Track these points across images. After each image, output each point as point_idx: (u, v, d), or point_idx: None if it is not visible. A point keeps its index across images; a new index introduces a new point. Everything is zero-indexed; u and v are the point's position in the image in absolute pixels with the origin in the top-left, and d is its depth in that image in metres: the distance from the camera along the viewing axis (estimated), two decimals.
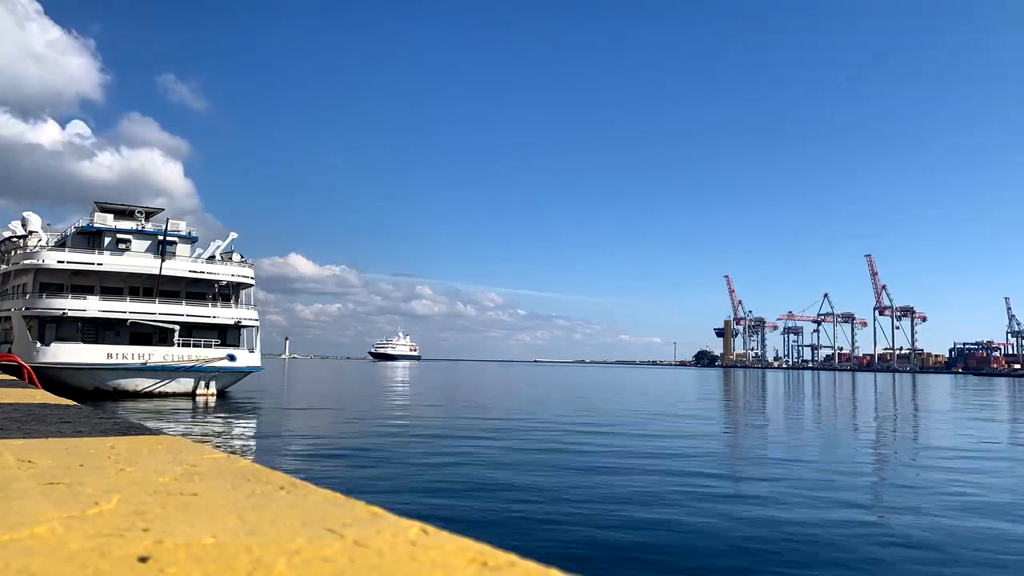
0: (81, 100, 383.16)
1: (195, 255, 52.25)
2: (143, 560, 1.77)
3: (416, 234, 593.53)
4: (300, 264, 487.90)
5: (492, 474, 18.06)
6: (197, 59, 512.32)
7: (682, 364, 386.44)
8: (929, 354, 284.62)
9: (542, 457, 21.46)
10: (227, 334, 49.90)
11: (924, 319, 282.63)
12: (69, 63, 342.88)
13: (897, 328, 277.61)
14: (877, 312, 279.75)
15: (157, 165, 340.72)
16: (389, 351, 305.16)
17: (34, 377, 30.76)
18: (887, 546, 11.82)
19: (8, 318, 47.59)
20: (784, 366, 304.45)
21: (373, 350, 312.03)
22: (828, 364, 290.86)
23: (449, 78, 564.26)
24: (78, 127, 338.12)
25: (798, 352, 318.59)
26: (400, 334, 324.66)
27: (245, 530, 2.10)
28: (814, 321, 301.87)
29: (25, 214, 54.92)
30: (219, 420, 32.55)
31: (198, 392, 44.58)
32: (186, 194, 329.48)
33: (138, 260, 47.78)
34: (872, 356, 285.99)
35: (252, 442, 25.41)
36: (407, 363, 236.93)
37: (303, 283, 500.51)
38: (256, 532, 2.08)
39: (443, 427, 30.43)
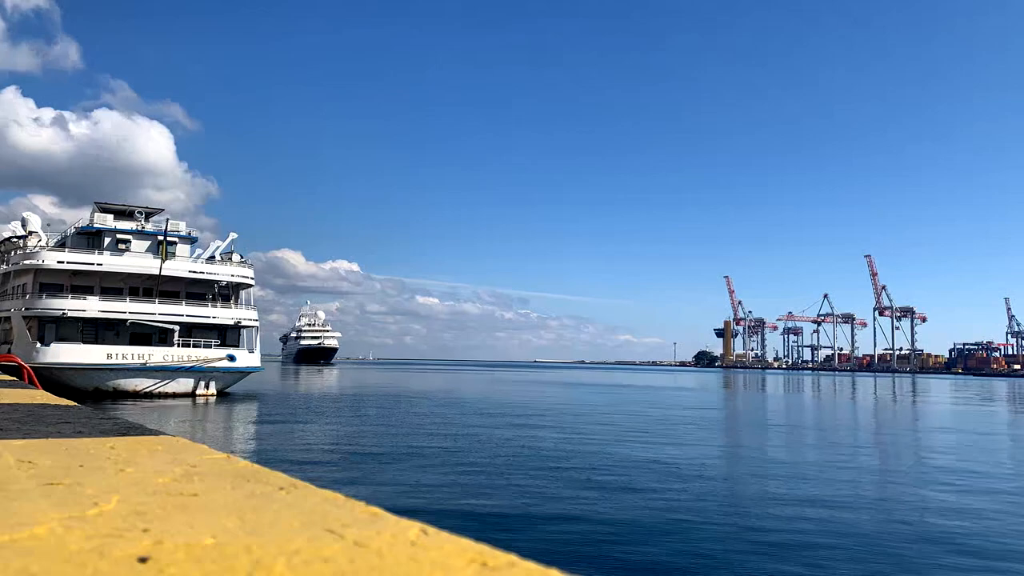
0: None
1: (195, 255, 52.27)
2: (143, 560, 1.77)
3: (418, 234, 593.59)
4: (298, 262, 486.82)
5: None
6: (197, 55, 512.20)
7: (682, 365, 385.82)
8: (929, 355, 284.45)
9: None
10: (227, 334, 49.92)
11: (924, 319, 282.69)
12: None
13: (897, 328, 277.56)
14: (877, 312, 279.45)
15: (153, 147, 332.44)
16: (326, 343, 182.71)
17: (34, 377, 30.73)
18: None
19: (8, 318, 47.57)
20: (784, 367, 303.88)
21: (300, 342, 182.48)
22: (828, 365, 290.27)
23: (453, 79, 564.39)
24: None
25: (798, 353, 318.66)
26: (320, 313, 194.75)
27: (245, 530, 2.10)
28: (814, 322, 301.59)
29: (25, 214, 55.05)
30: (219, 420, 32.53)
31: (198, 392, 44.58)
32: (187, 182, 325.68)
33: (138, 260, 47.78)
34: (872, 357, 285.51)
35: (252, 442, 25.41)
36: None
37: (302, 280, 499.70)
38: (256, 532, 2.08)
39: None
